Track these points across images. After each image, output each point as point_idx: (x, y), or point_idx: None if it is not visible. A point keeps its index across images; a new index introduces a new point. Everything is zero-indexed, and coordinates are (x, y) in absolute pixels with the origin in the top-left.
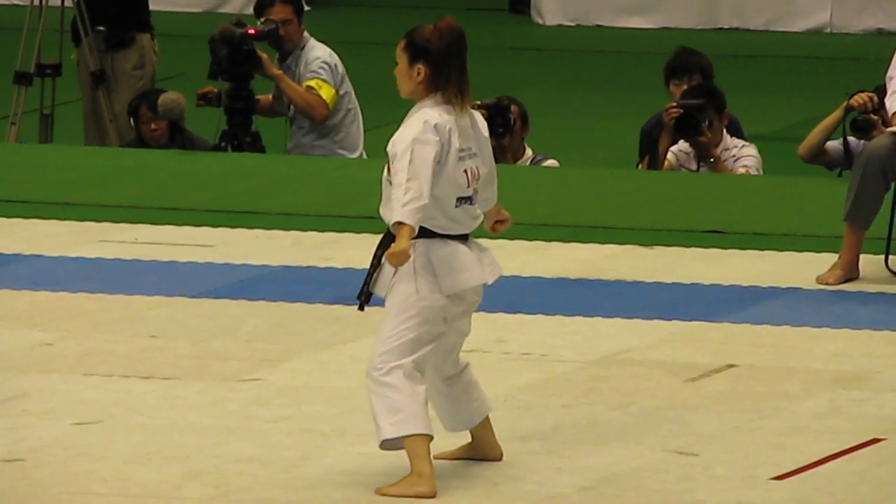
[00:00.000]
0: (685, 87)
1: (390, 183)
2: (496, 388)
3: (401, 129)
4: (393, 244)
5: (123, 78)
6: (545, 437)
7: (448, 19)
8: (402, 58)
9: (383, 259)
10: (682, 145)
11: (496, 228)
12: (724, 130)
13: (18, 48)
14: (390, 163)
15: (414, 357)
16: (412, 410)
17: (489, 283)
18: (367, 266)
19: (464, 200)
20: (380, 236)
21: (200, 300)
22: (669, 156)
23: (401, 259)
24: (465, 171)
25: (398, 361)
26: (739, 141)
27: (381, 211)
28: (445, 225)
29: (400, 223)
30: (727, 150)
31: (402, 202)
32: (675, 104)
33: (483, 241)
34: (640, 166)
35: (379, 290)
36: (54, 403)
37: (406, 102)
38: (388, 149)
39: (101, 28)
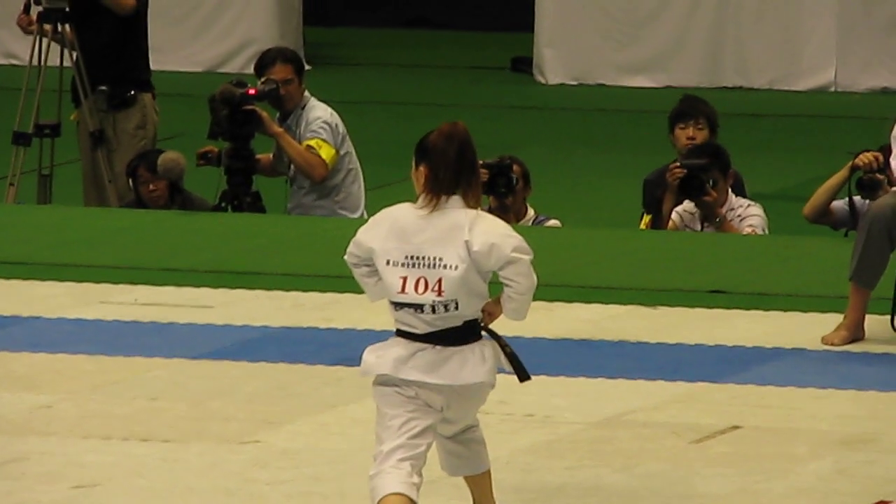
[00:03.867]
0: (690, 130)
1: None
2: (499, 449)
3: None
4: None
5: (125, 138)
6: (549, 500)
7: (449, 124)
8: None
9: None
10: (687, 205)
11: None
12: (729, 190)
13: (17, 108)
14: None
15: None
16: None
17: (396, 375)
18: (369, 327)
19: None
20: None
21: (200, 361)
22: (674, 216)
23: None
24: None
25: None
26: (745, 200)
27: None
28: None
29: None
30: (732, 209)
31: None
32: (678, 164)
33: None
34: (643, 218)
35: None
36: (53, 466)
37: (404, 162)
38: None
39: (104, 88)
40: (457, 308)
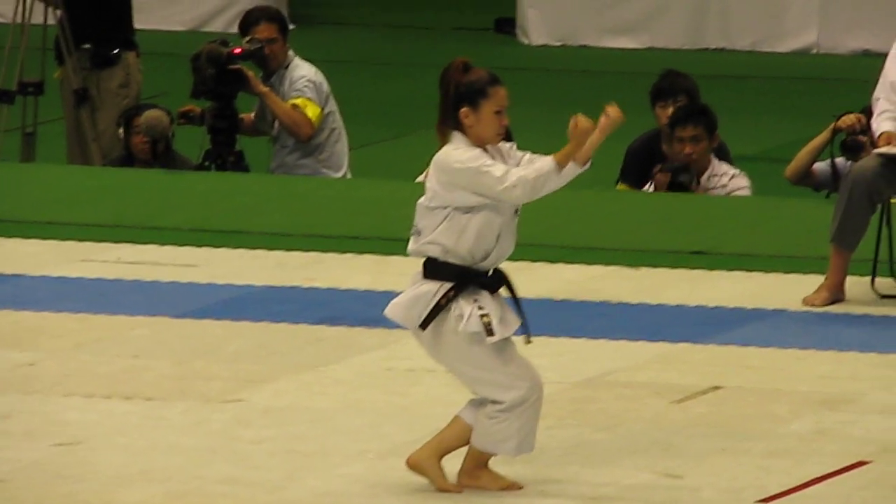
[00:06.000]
0: (671, 109)
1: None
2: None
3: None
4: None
5: (109, 97)
6: (530, 459)
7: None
8: None
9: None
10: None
11: None
12: (713, 155)
13: (0, 66)
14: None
15: None
16: None
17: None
18: (352, 286)
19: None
20: (363, 256)
21: (183, 320)
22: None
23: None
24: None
25: None
26: (729, 168)
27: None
28: None
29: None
30: (715, 175)
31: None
32: (660, 168)
33: None
34: (618, 185)
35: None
36: (35, 424)
37: (387, 122)
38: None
39: (87, 46)
40: (419, 235)
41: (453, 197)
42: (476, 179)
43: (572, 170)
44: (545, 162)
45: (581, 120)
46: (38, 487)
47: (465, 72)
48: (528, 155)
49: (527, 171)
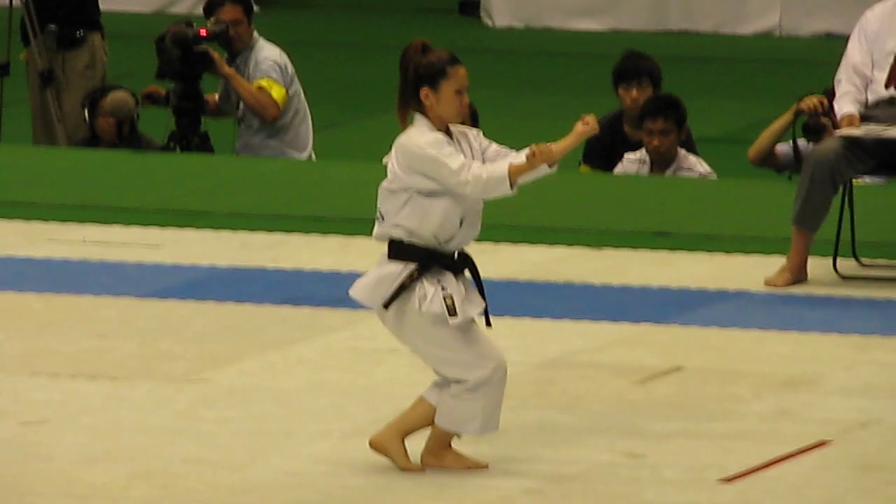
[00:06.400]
0: (634, 91)
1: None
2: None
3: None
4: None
5: (74, 78)
6: (492, 439)
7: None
8: None
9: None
10: (632, 155)
11: None
12: (679, 148)
13: None
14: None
15: None
16: None
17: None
18: (317, 267)
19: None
20: (328, 237)
21: (148, 300)
22: (618, 168)
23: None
24: None
25: None
26: (698, 162)
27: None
28: None
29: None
30: (682, 169)
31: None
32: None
33: None
34: (580, 167)
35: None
36: (0, 404)
37: (351, 104)
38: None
39: (53, 27)
40: (383, 219)
41: (413, 181)
42: (433, 167)
43: (540, 170)
44: (501, 167)
45: (541, 148)
46: (2, 466)
47: (425, 53)
48: (494, 146)
49: (482, 170)
